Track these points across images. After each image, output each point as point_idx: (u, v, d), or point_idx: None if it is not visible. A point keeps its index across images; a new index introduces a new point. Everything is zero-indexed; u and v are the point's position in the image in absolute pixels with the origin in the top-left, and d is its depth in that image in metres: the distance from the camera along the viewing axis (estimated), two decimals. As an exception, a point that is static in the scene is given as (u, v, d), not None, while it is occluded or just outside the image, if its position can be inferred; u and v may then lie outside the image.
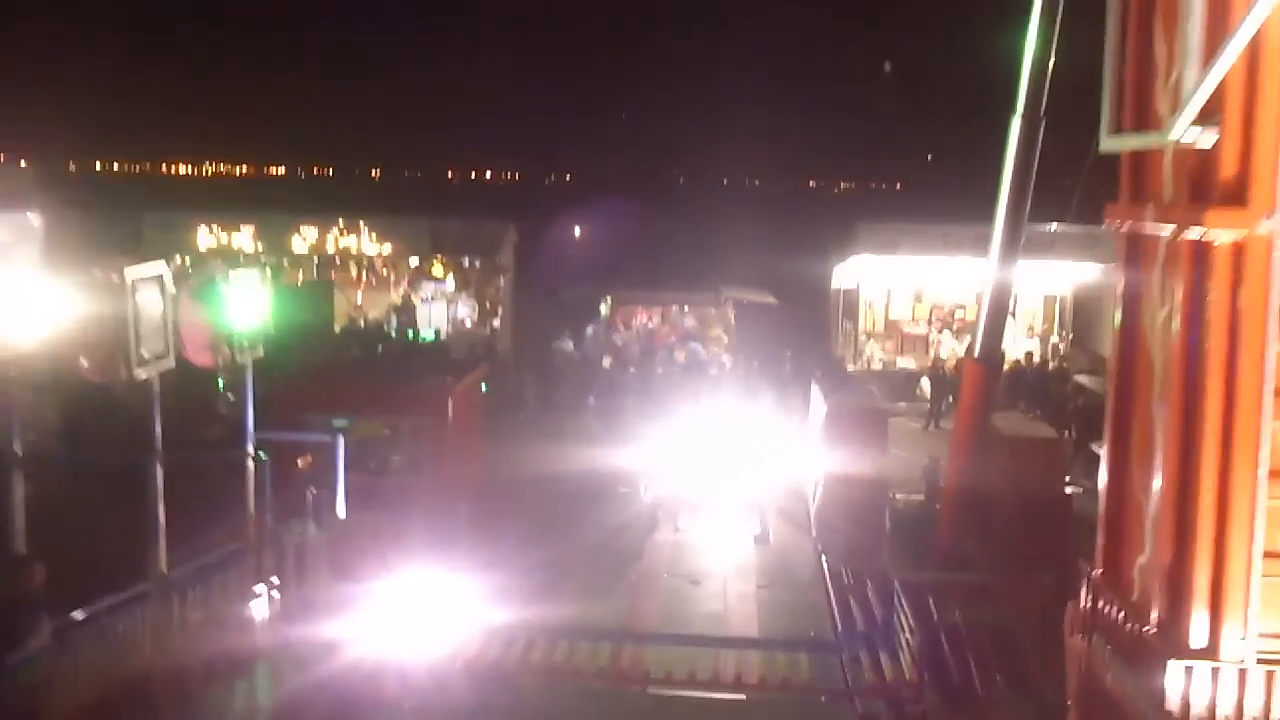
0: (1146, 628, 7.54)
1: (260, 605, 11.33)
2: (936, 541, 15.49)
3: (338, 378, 18.66)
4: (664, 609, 13.61)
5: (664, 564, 15.45)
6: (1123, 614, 7.96)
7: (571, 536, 16.36)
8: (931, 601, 11.61)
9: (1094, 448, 20.11)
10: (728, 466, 18.74)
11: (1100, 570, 8.52)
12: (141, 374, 9.55)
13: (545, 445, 22.63)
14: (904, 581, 14.27)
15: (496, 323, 33.37)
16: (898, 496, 17.84)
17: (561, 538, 16.31)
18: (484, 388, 26.27)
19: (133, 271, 9.53)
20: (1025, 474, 15.76)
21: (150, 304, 9.65)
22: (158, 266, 9.98)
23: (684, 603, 13.88)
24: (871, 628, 12.15)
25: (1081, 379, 25.01)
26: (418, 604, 11.58)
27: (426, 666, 9.73)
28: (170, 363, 10.02)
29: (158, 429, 10.00)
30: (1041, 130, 14.47)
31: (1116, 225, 8.31)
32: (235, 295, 11.71)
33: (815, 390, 18.45)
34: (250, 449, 11.95)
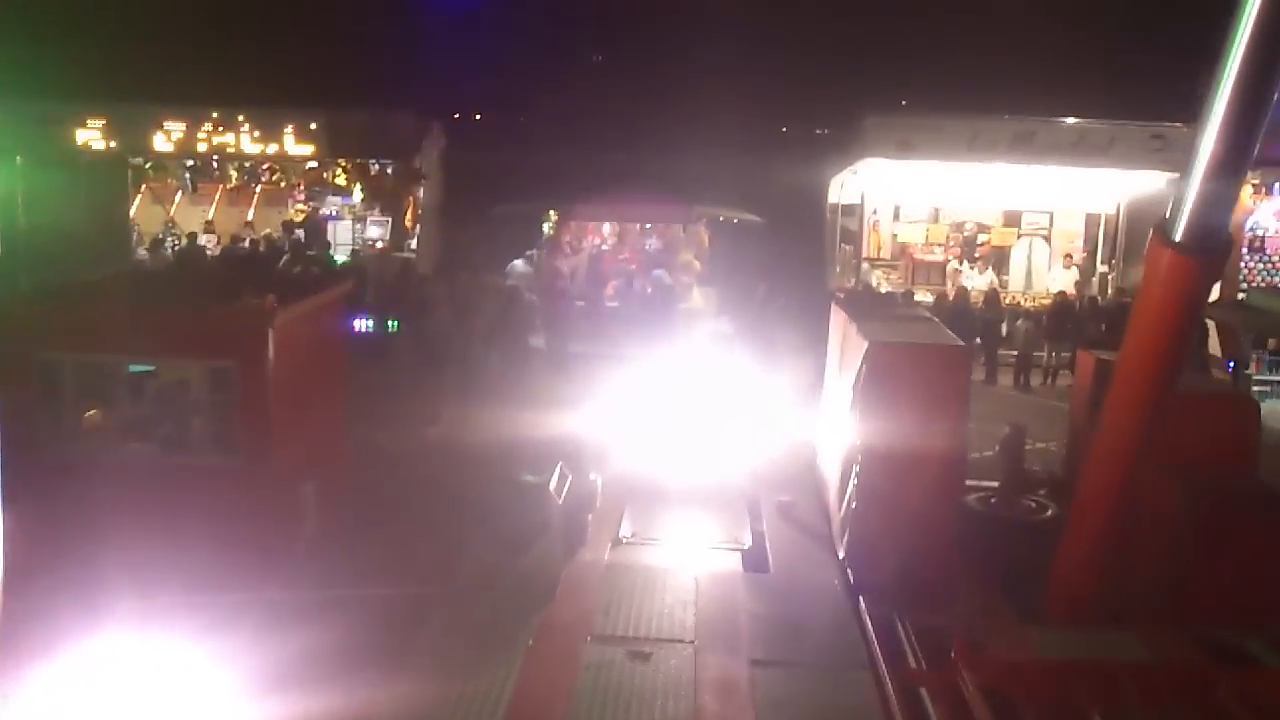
0: None
1: None
2: (1056, 574, 9.04)
3: (105, 300, 12.26)
4: (576, 730, 7.07)
5: (589, 614, 8.89)
6: None
7: (449, 557, 10.04)
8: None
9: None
10: (700, 439, 12.30)
11: None
12: None
13: (439, 407, 16.32)
14: (1020, 667, 7.95)
15: (414, 244, 26.85)
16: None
17: (431, 560, 10.12)
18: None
19: None
20: (1197, 455, 9.43)
21: None
22: None
23: (616, 711, 7.37)
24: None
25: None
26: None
27: None
28: None
29: None
30: None
31: None
32: None
33: (840, 319, 11.71)
34: None
